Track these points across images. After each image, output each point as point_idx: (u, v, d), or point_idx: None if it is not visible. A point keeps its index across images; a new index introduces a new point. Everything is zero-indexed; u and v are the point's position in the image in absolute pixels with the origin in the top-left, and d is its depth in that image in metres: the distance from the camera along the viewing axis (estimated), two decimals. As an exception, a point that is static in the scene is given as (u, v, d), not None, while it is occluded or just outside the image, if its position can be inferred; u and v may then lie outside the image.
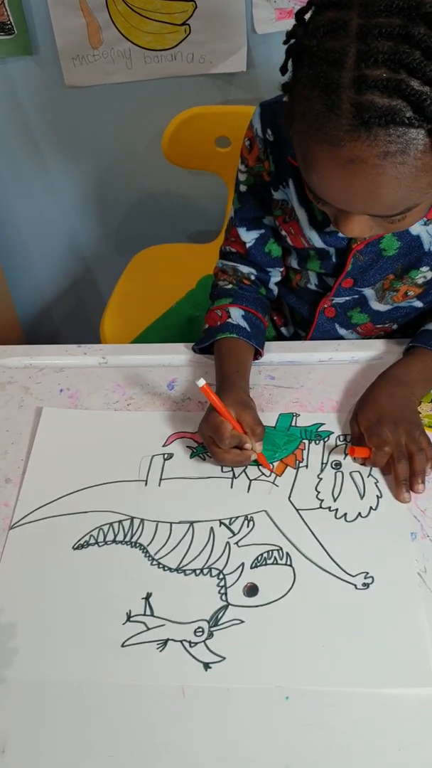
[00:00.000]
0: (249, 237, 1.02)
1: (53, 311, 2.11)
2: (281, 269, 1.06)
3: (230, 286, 1.05)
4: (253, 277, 1.05)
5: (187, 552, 0.81)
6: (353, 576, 0.78)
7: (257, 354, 1.02)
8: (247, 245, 1.02)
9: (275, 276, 1.06)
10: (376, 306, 1.02)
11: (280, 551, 0.80)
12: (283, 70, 0.72)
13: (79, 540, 0.83)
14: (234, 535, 0.82)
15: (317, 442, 0.92)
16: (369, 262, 0.94)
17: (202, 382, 0.83)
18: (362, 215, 0.73)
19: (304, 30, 0.68)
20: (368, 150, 0.63)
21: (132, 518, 0.84)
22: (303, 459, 0.90)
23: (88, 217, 1.87)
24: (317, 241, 0.94)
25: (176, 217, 1.85)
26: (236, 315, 1.01)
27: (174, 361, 1.05)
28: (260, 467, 0.89)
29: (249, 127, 0.95)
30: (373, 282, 0.97)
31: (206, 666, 0.72)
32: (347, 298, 1.01)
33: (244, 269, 1.05)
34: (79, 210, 1.85)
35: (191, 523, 0.84)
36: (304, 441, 0.92)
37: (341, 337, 1.08)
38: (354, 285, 0.98)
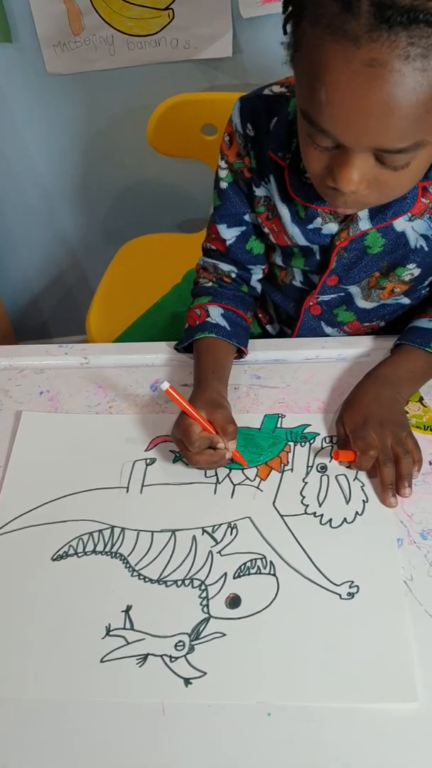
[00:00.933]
0: (229, 234, 0.99)
1: (41, 302, 2.08)
2: (263, 267, 1.03)
3: (210, 284, 1.03)
4: (233, 275, 1.02)
5: (168, 562, 0.79)
6: (338, 585, 0.76)
7: (241, 352, 0.99)
8: (228, 243, 1.00)
9: (257, 273, 1.03)
10: (362, 304, 0.99)
11: (264, 560, 0.79)
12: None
13: (57, 551, 0.81)
14: (217, 543, 0.80)
15: (303, 444, 0.90)
16: (353, 260, 0.92)
17: (165, 385, 0.81)
18: (365, 155, 0.67)
19: None
20: (388, 52, 0.58)
21: (112, 527, 0.83)
22: (288, 462, 0.88)
23: (75, 207, 1.84)
24: (300, 239, 0.92)
25: (165, 206, 1.82)
26: (215, 314, 0.99)
27: (157, 360, 1.02)
28: (244, 471, 0.87)
29: (228, 123, 0.92)
30: (358, 280, 0.94)
31: (187, 682, 0.70)
32: (332, 295, 0.99)
33: (225, 267, 1.02)
34: (65, 200, 1.82)
35: (173, 531, 0.82)
36: (289, 443, 0.90)
37: (327, 336, 1.05)
38: (339, 282, 0.95)
